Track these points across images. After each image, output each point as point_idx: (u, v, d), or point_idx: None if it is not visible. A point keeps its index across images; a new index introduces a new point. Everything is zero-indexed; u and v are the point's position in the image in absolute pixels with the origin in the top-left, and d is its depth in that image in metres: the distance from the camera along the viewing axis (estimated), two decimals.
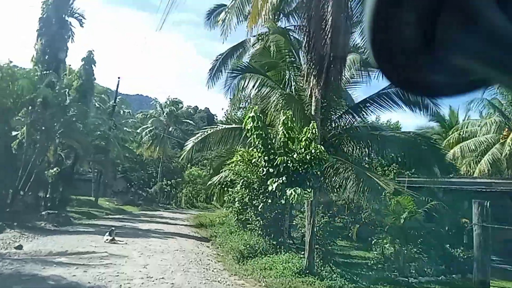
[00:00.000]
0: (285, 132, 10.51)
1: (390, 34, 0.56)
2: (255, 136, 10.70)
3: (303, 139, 10.40)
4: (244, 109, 21.63)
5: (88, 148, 21.06)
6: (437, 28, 0.55)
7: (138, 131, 50.89)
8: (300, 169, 10.31)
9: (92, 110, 24.80)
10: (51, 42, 19.22)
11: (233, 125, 15.05)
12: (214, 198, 19.50)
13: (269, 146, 10.87)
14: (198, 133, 15.43)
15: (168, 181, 49.38)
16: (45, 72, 15.97)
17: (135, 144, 50.59)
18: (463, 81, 0.60)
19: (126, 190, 47.89)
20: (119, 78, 30.21)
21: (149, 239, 13.94)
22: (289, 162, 10.27)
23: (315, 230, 9.15)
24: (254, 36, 21.02)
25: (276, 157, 10.49)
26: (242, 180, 11.23)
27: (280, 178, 10.11)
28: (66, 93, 17.78)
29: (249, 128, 10.75)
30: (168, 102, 50.71)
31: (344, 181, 12.15)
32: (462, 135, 24.95)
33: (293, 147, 10.56)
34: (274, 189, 10.00)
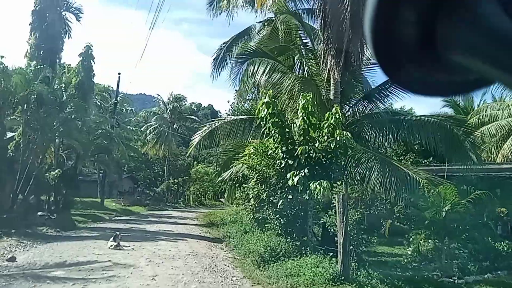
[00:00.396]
0: (305, 118, 9.29)
1: (391, 31, 0.55)
2: (270, 124, 9.50)
3: (326, 126, 9.20)
4: (252, 100, 20.44)
5: (89, 147, 19.98)
6: (438, 26, 0.54)
7: (142, 129, 49.86)
8: (323, 159, 9.12)
9: (92, 107, 23.76)
10: (46, 37, 18.13)
11: (242, 116, 13.88)
12: (225, 196, 18.33)
13: (287, 135, 9.68)
14: (205, 126, 14.25)
15: (175, 180, 48.40)
16: (39, 66, 14.86)
17: (140, 142, 49.58)
18: (463, 80, 0.58)
19: (133, 190, 47.08)
20: (119, 74, 29.00)
21: (157, 242, 12.85)
22: (311, 152, 9.08)
23: (348, 229, 7.95)
24: (260, 22, 19.80)
25: (295, 147, 9.29)
26: (257, 175, 10.05)
27: (302, 171, 8.92)
28: (63, 88, 16.66)
29: (263, 115, 9.55)
30: (171, 99, 49.43)
31: (367, 172, 10.97)
32: (482, 120, 23.53)
33: (315, 135, 9.35)
34: (295, 183, 8.82)
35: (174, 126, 49.69)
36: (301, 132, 9.40)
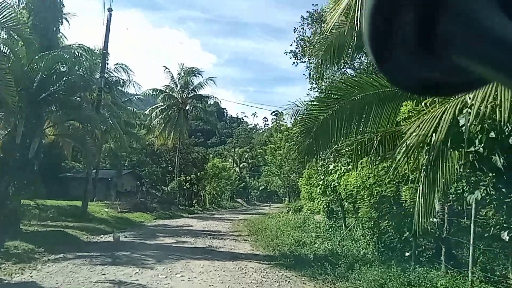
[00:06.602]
0: None
1: (390, 33, 0.54)
2: None
3: None
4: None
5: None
6: (437, 26, 0.53)
7: (146, 112, 39.46)
8: None
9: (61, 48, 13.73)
10: None
11: None
12: (418, 189, 6.88)
13: None
14: None
15: (187, 177, 37.72)
16: None
17: (144, 130, 39.21)
18: (461, 80, 0.58)
19: (136, 189, 36.87)
20: (110, 9, 18.55)
21: None
22: None
23: None
24: None
25: None
26: None
27: None
28: None
29: None
30: (182, 73, 38.43)
31: None
32: None
33: None
34: None
35: (187, 108, 38.99)
36: None
